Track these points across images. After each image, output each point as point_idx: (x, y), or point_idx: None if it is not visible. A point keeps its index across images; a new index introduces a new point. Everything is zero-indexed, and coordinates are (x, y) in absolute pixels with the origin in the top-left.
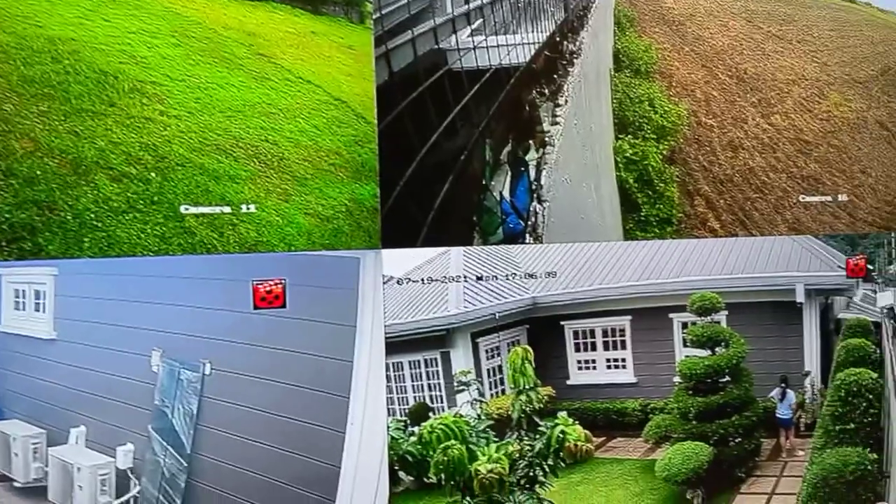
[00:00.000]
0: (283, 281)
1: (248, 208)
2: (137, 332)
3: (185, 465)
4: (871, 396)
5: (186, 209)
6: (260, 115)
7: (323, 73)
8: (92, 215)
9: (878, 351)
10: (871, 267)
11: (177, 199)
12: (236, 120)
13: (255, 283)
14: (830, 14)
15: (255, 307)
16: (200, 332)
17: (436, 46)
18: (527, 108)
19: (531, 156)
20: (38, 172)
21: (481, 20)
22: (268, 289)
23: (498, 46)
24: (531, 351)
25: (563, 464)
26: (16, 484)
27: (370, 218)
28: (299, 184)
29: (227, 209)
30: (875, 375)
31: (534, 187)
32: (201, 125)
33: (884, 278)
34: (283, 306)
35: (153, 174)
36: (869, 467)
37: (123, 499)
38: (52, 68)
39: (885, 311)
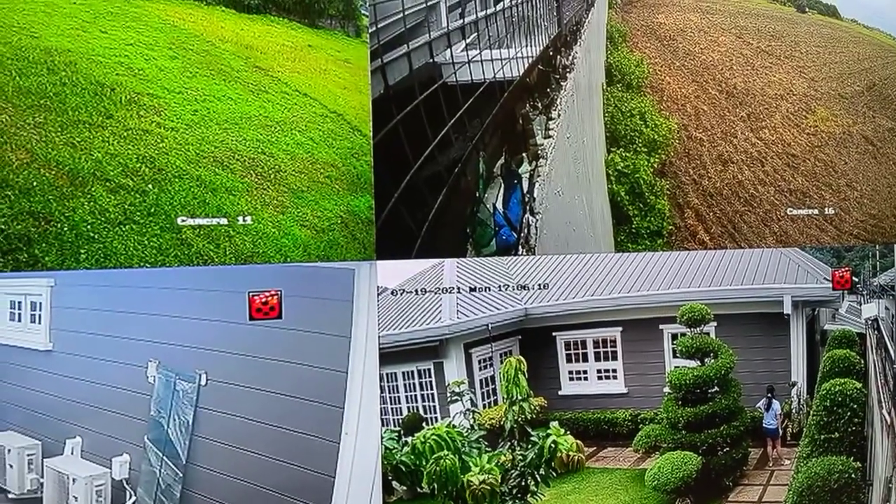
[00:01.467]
0: (278, 292)
1: (244, 220)
2: (134, 344)
3: (181, 475)
4: (855, 406)
5: (183, 221)
6: (257, 128)
7: (319, 87)
8: (88, 227)
9: (862, 362)
10: (856, 279)
11: (174, 210)
12: (233, 132)
13: (251, 294)
14: (817, 30)
15: (251, 318)
16: (196, 342)
17: (431, 60)
18: (520, 121)
19: (524, 168)
20: (35, 184)
21: (476, 34)
22: (263, 300)
23: (492, 60)
24: (524, 362)
25: (554, 474)
26: (10, 495)
27: (365, 230)
28: (295, 196)
29: (224, 221)
30: (859, 386)
31: (526, 199)
32: (198, 137)
33: (868, 290)
34: (279, 317)
35: (150, 186)
36: (853, 476)
37: None
38: (48, 79)
39: (869, 322)
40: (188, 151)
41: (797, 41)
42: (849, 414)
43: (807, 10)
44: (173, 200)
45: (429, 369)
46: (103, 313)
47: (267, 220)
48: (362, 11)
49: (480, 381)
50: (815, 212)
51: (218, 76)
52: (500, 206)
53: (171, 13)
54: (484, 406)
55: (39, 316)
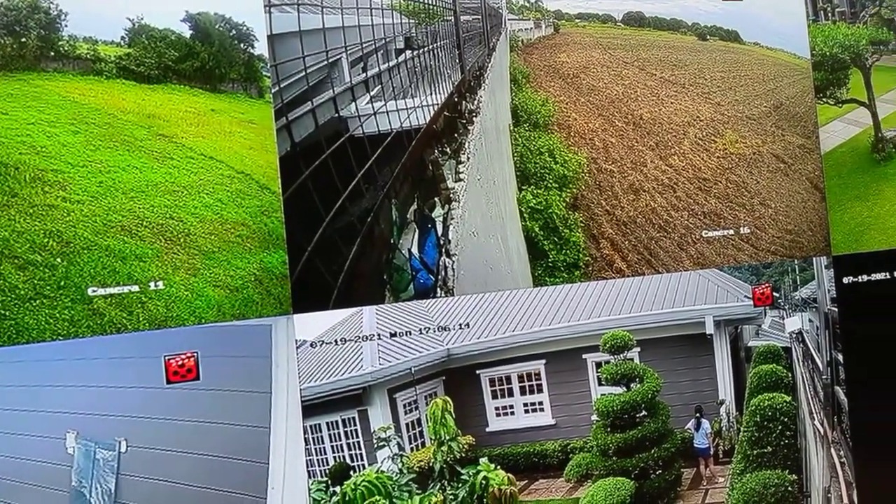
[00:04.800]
0: (195, 354)
1: (156, 285)
2: (51, 416)
3: None
4: (785, 419)
5: (94, 291)
6: (163, 194)
7: (225, 149)
8: None
9: (789, 375)
10: (776, 294)
11: (84, 282)
12: (140, 200)
13: (166, 357)
14: (720, 56)
15: (169, 381)
16: (115, 410)
17: (336, 115)
18: (430, 167)
19: (437, 212)
20: None
21: (380, 86)
22: (180, 363)
23: (398, 110)
24: (450, 402)
25: None
26: None
27: (280, 285)
28: (206, 257)
29: (136, 288)
30: (788, 399)
31: (442, 242)
32: (105, 208)
33: (790, 304)
34: (197, 378)
35: (59, 259)
36: (789, 488)
37: None
38: None
39: (794, 335)
40: (95, 223)
41: (701, 68)
42: (780, 427)
43: (708, 37)
44: (83, 272)
45: (353, 417)
46: (18, 389)
47: (179, 284)
48: (264, 73)
49: (406, 424)
50: (731, 232)
51: (121, 147)
52: (415, 250)
53: (71, 89)
54: (411, 449)
55: None
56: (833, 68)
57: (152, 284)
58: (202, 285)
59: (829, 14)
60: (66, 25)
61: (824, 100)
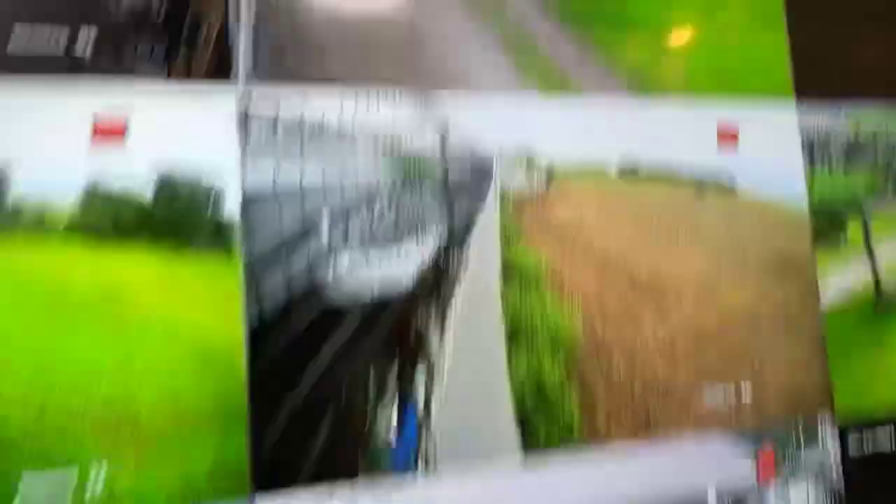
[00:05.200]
0: None
1: (99, 474)
2: None
3: None
4: None
5: (29, 482)
6: (113, 372)
7: (186, 319)
8: None
9: None
10: (779, 459)
11: (18, 474)
12: (86, 383)
13: None
14: (718, 208)
15: None
16: None
17: (311, 278)
18: (413, 329)
19: (419, 380)
20: None
21: (360, 242)
22: None
23: (380, 269)
24: None
25: None
26: None
27: (240, 468)
28: (159, 442)
29: (74, 475)
30: None
31: (422, 413)
32: (44, 392)
33: (793, 470)
34: None
35: None
36: None
37: None
38: None
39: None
40: (33, 409)
41: (698, 223)
42: None
43: (705, 187)
44: (19, 462)
45: None
46: None
47: (126, 472)
48: (233, 237)
49: None
50: (732, 391)
51: (68, 321)
52: (394, 422)
53: (15, 256)
54: None
55: None
56: (831, 217)
57: (93, 473)
58: (152, 473)
59: (827, 163)
60: (11, 186)
61: (823, 249)
